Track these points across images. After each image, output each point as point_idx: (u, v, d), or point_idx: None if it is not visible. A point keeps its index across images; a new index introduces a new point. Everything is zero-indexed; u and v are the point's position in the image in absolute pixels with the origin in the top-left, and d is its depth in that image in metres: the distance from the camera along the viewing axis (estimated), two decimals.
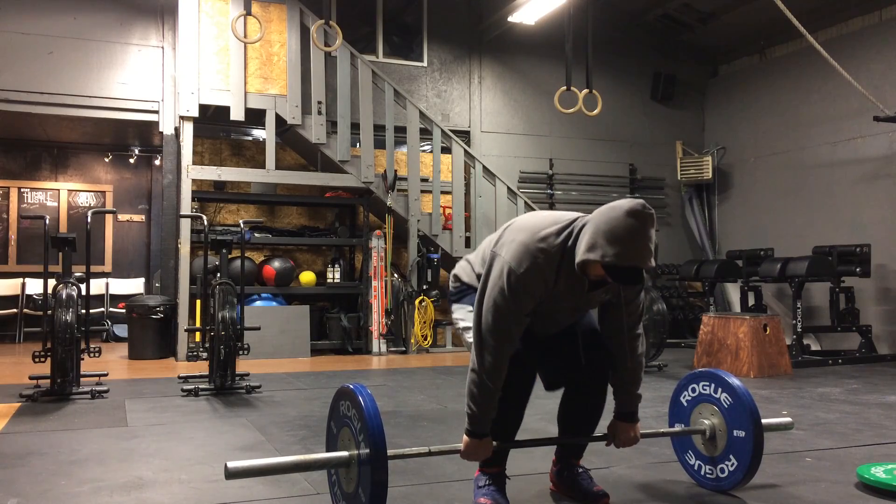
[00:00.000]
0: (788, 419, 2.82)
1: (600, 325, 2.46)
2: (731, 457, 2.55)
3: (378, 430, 2.04)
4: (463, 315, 2.47)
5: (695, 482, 2.72)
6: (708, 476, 2.65)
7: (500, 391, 2.23)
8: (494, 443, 2.31)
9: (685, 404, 2.74)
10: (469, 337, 2.38)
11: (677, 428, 2.73)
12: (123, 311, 8.08)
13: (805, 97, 8.87)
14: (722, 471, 2.59)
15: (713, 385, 2.64)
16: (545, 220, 2.27)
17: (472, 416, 2.24)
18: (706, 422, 2.63)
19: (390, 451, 2.09)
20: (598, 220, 2.10)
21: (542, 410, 4.10)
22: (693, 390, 2.71)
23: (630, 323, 2.39)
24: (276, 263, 7.68)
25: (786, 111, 9.12)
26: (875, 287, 7.88)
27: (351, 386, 2.18)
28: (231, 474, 2.05)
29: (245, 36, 7.10)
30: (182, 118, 7.16)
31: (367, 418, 2.05)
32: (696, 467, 2.71)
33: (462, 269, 2.55)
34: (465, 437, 2.28)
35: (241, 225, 5.42)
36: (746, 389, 2.56)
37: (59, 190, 9.75)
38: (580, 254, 2.10)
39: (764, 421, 2.55)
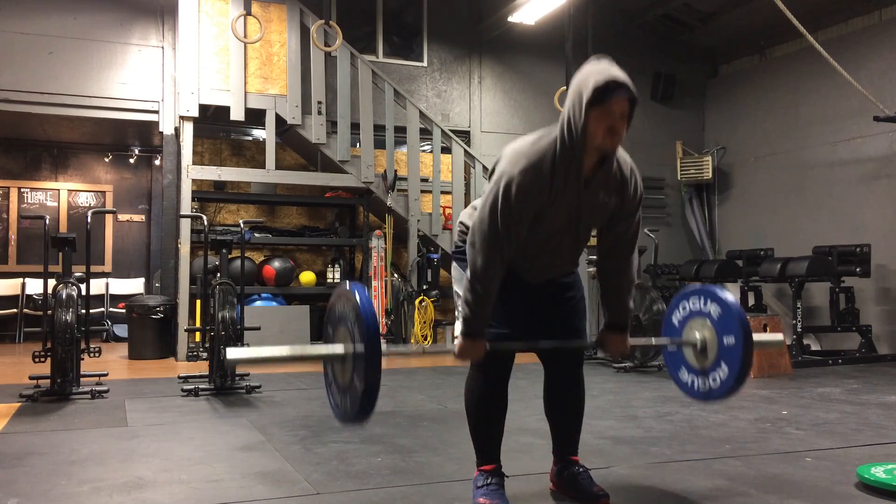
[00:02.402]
0: (779, 336, 2.85)
1: (599, 246, 2.49)
2: (722, 364, 2.55)
3: (371, 318, 2.07)
4: (458, 275, 2.52)
5: (688, 397, 2.73)
6: (700, 389, 2.66)
7: (492, 297, 2.29)
8: (488, 346, 2.34)
9: (677, 324, 2.75)
10: (459, 304, 2.44)
11: (670, 344, 2.75)
12: (123, 311, 8.08)
13: (805, 97, 8.86)
14: (714, 380, 2.59)
15: (703, 298, 2.65)
16: (536, 132, 2.36)
17: (467, 319, 2.30)
18: (697, 334, 2.64)
19: (385, 349, 2.17)
20: (569, 89, 2.26)
21: (542, 410, 4.10)
22: (683, 308, 2.72)
23: (626, 240, 2.43)
24: (276, 263, 7.67)
25: (786, 111, 9.12)
26: (875, 287, 7.87)
27: (347, 285, 2.20)
28: (230, 362, 2.13)
29: (245, 36, 7.10)
30: (182, 118, 7.16)
31: (362, 308, 2.08)
32: (689, 383, 2.70)
33: (466, 214, 2.58)
34: (459, 339, 2.33)
35: (241, 225, 5.42)
36: (736, 301, 2.59)
37: (59, 190, 9.75)
38: (576, 116, 2.17)
39: (756, 336, 2.57)
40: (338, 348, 2.19)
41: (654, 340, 2.78)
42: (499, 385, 2.49)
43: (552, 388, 2.64)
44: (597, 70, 2.17)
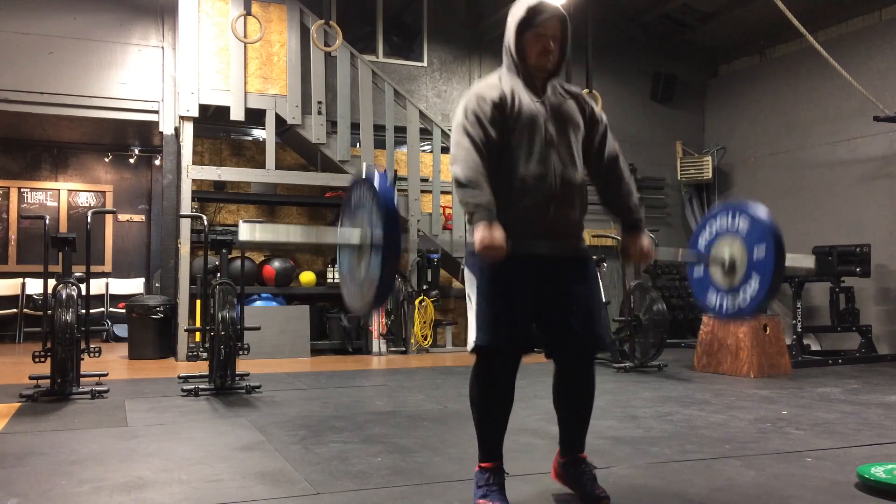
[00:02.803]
0: (811, 260, 2.79)
1: (592, 174, 2.59)
2: (752, 277, 2.49)
3: (390, 201, 2.01)
4: (470, 278, 2.50)
5: (717, 318, 2.67)
6: (730, 309, 2.61)
7: (489, 188, 2.30)
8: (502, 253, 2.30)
9: (703, 247, 2.70)
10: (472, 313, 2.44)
11: (698, 261, 2.67)
12: (123, 311, 8.08)
13: (805, 97, 8.86)
14: (744, 296, 2.53)
15: (730, 215, 2.61)
16: None
17: (475, 210, 2.27)
18: (726, 252, 2.59)
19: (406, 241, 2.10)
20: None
21: (542, 410, 4.10)
22: (710, 230, 2.68)
23: (612, 152, 2.62)
24: (276, 263, 7.67)
25: (786, 111, 9.12)
26: (875, 287, 7.88)
27: (364, 167, 2.16)
28: (243, 243, 2.09)
29: (245, 36, 7.10)
30: (182, 118, 7.16)
31: (381, 193, 2.04)
32: (718, 305, 2.65)
33: None
34: (477, 231, 2.27)
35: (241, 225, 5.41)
36: (766, 213, 2.53)
37: (59, 190, 9.75)
38: (511, 39, 2.45)
39: (789, 256, 2.52)
40: (354, 235, 2.09)
41: (680, 252, 2.74)
42: (505, 379, 2.44)
43: (562, 383, 2.59)
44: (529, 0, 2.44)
